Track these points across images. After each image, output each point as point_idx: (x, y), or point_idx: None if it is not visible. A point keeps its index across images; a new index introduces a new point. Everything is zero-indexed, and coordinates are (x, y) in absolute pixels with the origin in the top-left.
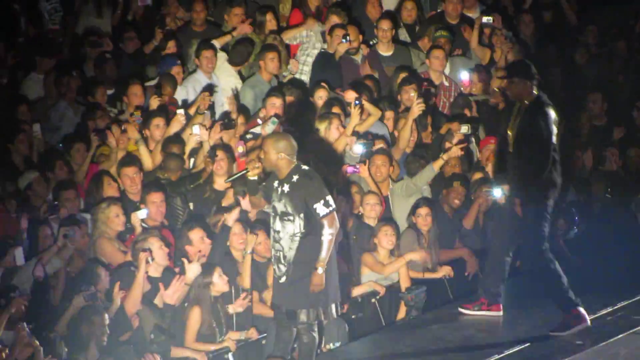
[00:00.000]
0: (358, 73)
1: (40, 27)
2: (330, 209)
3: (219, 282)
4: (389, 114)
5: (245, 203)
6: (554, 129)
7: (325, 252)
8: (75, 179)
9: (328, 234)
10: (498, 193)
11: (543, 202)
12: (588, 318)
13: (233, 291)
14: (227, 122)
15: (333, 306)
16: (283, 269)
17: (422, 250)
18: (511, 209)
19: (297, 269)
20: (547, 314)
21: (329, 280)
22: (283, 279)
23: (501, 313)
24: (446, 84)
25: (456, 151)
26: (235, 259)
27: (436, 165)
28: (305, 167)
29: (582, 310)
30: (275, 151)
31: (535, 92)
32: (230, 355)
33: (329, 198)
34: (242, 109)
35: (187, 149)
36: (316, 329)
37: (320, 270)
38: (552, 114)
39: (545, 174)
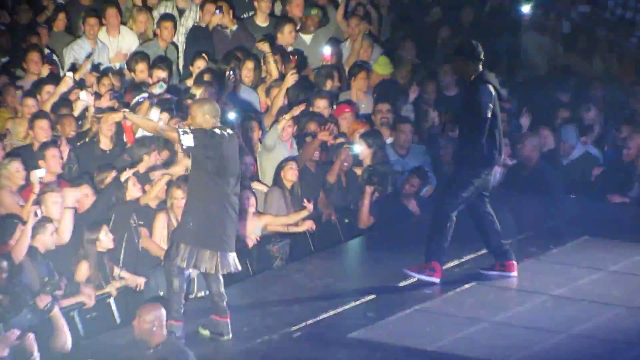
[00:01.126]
0: (229, 45)
1: None
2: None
3: (105, 239)
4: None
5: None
6: (490, 106)
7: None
8: None
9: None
10: (358, 149)
11: (472, 171)
12: (440, 276)
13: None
14: (115, 92)
15: (231, 256)
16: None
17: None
18: None
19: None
20: (404, 266)
21: (222, 228)
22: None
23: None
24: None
25: (296, 109)
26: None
27: (279, 125)
28: (217, 130)
29: (440, 266)
30: (201, 113)
31: (479, 69)
32: (111, 300)
33: (187, 138)
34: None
35: (75, 113)
36: (184, 276)
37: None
38: (491, 91)
39: (481, 147)
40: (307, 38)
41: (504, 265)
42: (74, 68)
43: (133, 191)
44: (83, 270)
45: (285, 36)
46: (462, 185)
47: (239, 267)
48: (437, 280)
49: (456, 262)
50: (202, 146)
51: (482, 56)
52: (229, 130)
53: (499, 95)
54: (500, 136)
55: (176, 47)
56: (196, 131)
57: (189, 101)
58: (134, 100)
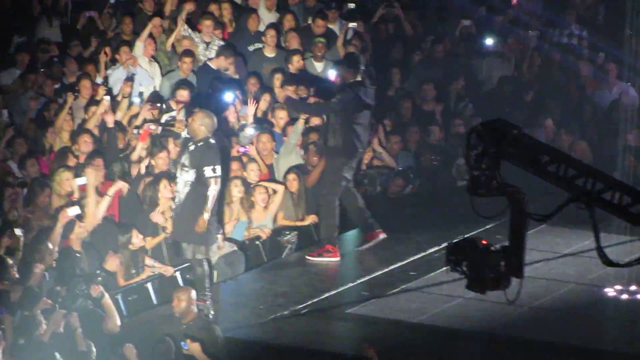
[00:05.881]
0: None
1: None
2: (216, 174)
3: (137, 240)
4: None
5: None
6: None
7: (210, 204)
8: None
9: (213, 190)
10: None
11: (343, 162)
12: (337, 256)
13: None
14: (154, 104)
15: (215, 247)
16: (175, 207)
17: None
18: None
19: (184, 209)
20: (392, 253)
21: (211, 227)
22: (174, 215)
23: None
24: None
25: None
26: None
27: (299, 124)
28: (212, 140)
29: (335, 247)
30: (199, 122)
31: (358, 78)
32: (149, 284)
33: (217, 167)
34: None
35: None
36: (205, 264)
37: (205, 216)
38: (351, 95)
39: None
40: (318, 65)
41: (371, 235)
42: (111, 92)
43: (164, 192)
44: (113, 263)
45: (294, 64)
46: (336, 175)
47: None
48: (337, 259)
49: (435, 248)
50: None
51: (361, 67)
52: (213, 140)
53: (363, 102)
54: (363, 133)
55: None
56: (211, 160)
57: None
58: (164, 119)
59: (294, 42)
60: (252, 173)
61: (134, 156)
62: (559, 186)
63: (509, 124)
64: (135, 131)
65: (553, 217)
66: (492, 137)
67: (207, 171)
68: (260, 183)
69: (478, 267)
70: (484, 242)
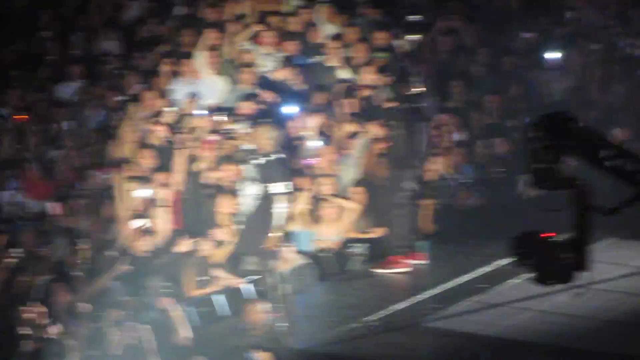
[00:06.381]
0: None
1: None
2: (286, 190)
3: (205, 248)
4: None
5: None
6: None
7: (280, 220)
8: None
9: (283, 206)
10: None
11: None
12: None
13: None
14: (218, 115)
15: (284, 259)
16: (242, 219)
17: None
18: None
19: (251, 222)
20: (461, 265)
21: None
22: (241, 227)
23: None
24: None
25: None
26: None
27: (363, 136)
28: (282, 155)
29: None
30: (266, 136)
31: (419, 90)
32: (219, 296)
33: (287, 183)
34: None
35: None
36: (277, 275)
37: (276, 233)
38: (415, 105)
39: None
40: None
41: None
42: (174, 104)
43: (227, 207)
44: (186, 244)
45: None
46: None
47: None
48: (407, 270)
49: (505, 260)
50: None
51: (418, 79)
52: (282, 155)
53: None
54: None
55: None
56: (279, 176)
57: None
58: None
59: (358, 54)
60: (322, 187)
61: (198, 168)
62: (622, 182)
63: (570, 117)
64: (199, 143)
65: (619, 211)
66: (553, 129)
67: (278, 187)
68: (330, 197)
69: (544, 259)
70: (549, 234)
